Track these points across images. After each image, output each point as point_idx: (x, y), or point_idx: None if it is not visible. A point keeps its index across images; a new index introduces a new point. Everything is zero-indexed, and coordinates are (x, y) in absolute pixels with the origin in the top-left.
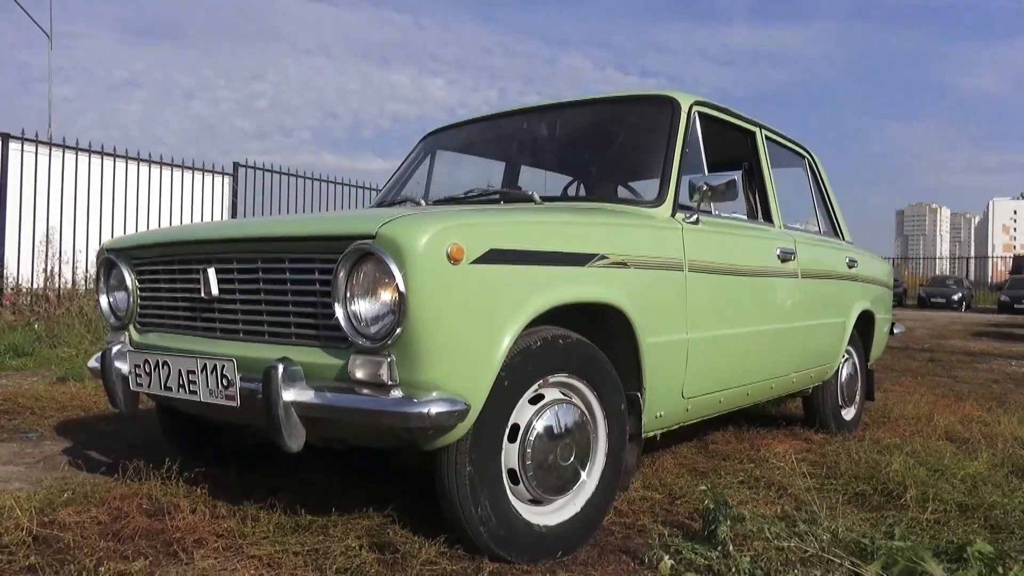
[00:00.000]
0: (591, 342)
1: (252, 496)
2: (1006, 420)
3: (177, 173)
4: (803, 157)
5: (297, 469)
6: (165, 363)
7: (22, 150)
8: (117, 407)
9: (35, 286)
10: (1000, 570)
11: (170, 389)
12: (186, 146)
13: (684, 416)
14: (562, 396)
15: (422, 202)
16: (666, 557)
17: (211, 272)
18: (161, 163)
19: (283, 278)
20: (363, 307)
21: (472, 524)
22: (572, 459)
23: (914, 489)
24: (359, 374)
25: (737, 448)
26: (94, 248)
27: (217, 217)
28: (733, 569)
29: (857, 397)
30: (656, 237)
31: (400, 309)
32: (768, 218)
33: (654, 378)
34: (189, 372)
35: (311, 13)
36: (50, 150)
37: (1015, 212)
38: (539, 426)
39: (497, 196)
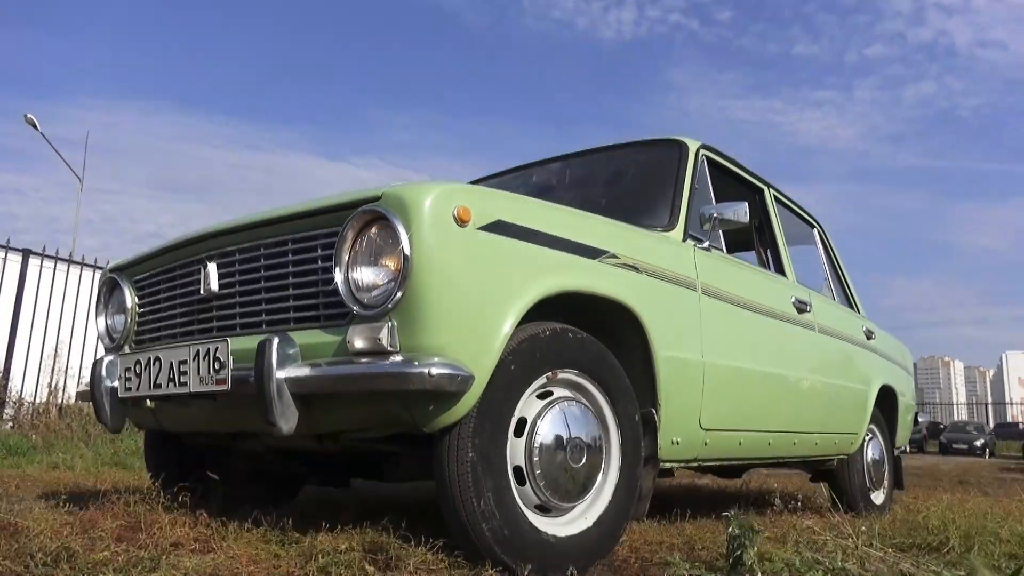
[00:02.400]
0: (605, 346)
1: (237, 515)
2: None
3: None
4: (812, 227)
5: (287, 499)
6: (157, 359)
7: (41, 266)
8: (103, 421)
9: (38, 400)
10: None
11: (159, 386)
12: None
13: (702, 450)
14: (571, 395)
15: None
16: None
17: (211, 267)
18: None
19: (285, 260)
20: (365, 273)
21: (474, 521)
22: (583, 463)
23: (957, 539)
24: (358, 343)
25: (762, 522)
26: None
27: None
28: None
29: (886, 481)
30: (668, 250)
31: (404, 273)
32: (781, 273)
33: (669, 396)
34: (181, 362)
35: (332, 173)
36: (68, 267)
37: None
38: (547, 422)
39: None
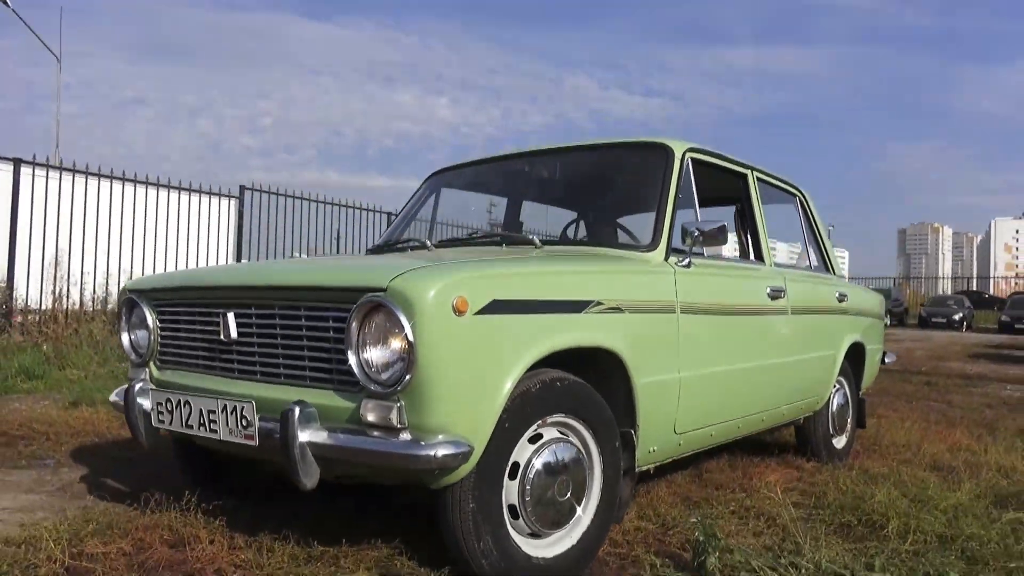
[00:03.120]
0: (587, 383)
1: (266, 527)
2: (993, 449)
3: (184, 196)
4: (794, 196)
5: (309, 502)
6: (187, 402)
7: (33, 174)
8: (139, 440)
9: (43, 307)
10: None
11: (191, 427)
12: (191, 163)
13: (676, 450)
14: (559, 435)
15: (428, 243)
16: None
17: (230, 316)
18: (168, 186)
19: (298, 324)
20: (374, 355)
21: (475, 558)
22: (569, 495)
23: (896, 520)
24: (371, 417)
25: (730, 477)
26: (101, 270)
27: (223, 239)
28: None
29: (848, 425)
30: (650, 282)
31: (409, 358)
32: (759, 257)
33: (647, 416)
34: (210, 412)
35: (317, 33)
36: (60, 174)
37: (1017, 231)
38: (538, 463)
39: (499, 239)
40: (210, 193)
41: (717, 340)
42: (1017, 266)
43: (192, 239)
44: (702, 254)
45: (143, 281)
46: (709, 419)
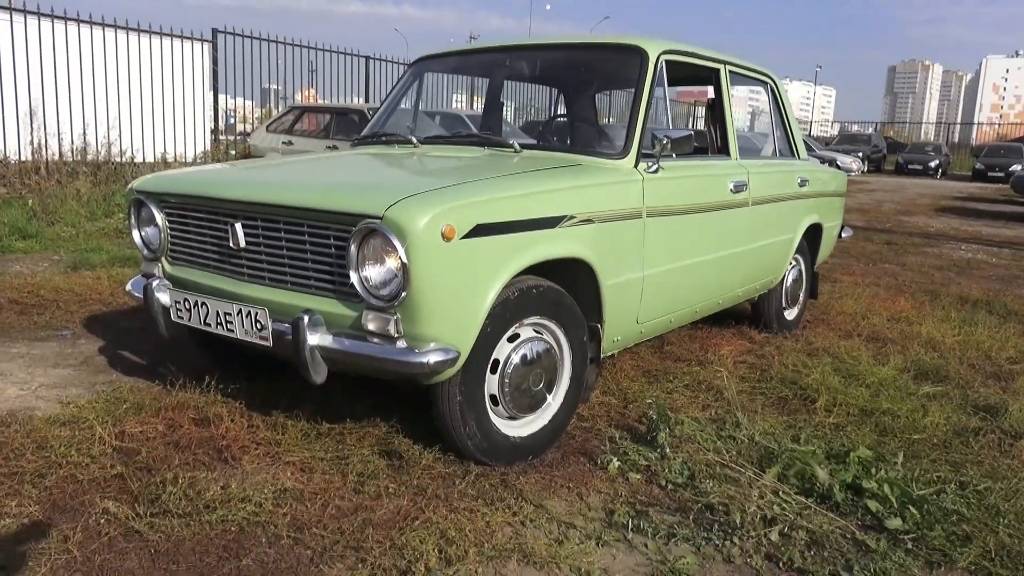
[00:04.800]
0: (559, 287)
1: (279, 405)
2: (930, 318)
3: (156, 41)
4: (765, 83)
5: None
6: (203, 303)
7: None
8: (162, 332)
9: (23, 159)
10: (872, 471)
11: (209, 325)
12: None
13: (639, 337)
14: (534, 333)
15: (413, 139)
16: (614, 459)
17: (238, 226)
18: (139, 30)
19: (303, 240)
20: (372, 273)
21: (462, 439)
22: (542, 384)
23: (826, 395)
24: (371, 326)
25: (689, 348)
26: (77, 118)
27: (197, 86)
28: (667, 470)
29: (801, 298)
30: (620, 192)
31: (403, 277)
32: (726, 151)
33: (612, 311)
34: (226, 313)
35: None
36: (25, 18)
37: (1007, 71)
38: (515, 359)
39: (480, 140)
40: (182, 37)
41: (679, 238)
42: (1002, 107)
43: (167, 86)
44: (671, 156)
45: (149, 182)
46: (669, 309)
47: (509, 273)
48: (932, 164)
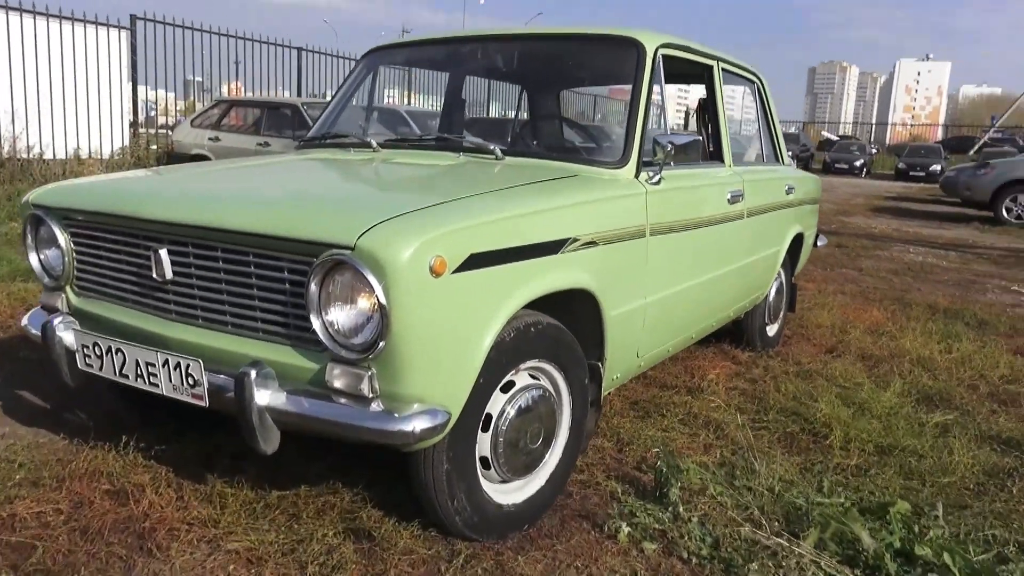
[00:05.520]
0: (559, 322)
1: (215, 469)
2: (909, 332)
3: (68, 27)
4: (752, 82)
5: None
6: (119, 350)
7: None
8: (65, 380)
9: None
10: (916, 529)
11: (126, 377)
12: None
13: (636, 372)
14: (531, 379)
15: (372, 142)
16: (623, 525)
17: (163, 253)
18: (49, 15)
19: (247, 271)
20: (340, 317)
21: (448, 515)
22: (540, 441)
23: (838, 430)
24: (338, 384)
25: (673, 373)
26: None
27: (114, 76)
28: (685, 536)
29: (781, 312)
30: (623, 207)
31: (381, 322)
32: (719, 157)
33: (614, 346)
34: (148, 364)
35: None
36: None
37: (919, 74)
38: (511, 412)
39: (452, 144)
40: (97, 23)
41: (680, 257)
42: (914, 108)
43: (80, 76)
44: (670, 165)
45: (47, 195)
46: (669, 337)
47: (508, 312)
48: (857, 163)
